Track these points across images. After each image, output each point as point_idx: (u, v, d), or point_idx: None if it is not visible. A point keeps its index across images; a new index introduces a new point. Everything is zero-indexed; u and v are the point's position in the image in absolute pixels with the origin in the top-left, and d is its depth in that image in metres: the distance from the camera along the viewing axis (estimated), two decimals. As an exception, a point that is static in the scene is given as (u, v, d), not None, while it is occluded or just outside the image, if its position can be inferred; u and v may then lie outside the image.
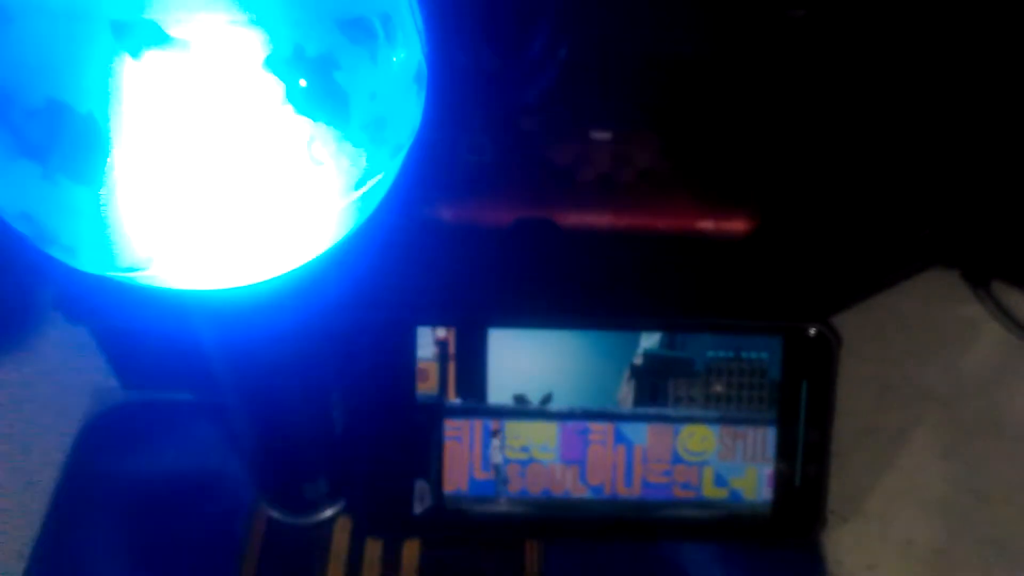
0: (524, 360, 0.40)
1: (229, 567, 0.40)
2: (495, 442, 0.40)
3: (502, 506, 0.41)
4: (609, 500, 0.41)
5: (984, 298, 0.50)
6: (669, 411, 0.40)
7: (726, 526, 0.41)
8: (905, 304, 0.49)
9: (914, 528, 0.42)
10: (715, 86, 0.44)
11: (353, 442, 0.39)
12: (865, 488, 0.43)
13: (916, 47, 0.43)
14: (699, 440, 0.40)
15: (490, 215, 0.41)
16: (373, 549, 0.40)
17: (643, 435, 0.40)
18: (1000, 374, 0.48)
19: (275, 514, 0.41)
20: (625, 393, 0.40)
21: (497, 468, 0.40)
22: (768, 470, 0.40)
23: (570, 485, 0.41)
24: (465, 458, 0.40)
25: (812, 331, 0.39)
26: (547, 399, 0.40)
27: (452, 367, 0.39)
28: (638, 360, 0.40)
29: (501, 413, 0.40)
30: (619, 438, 0.40)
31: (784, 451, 0.40)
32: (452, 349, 0.39)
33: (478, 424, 0.40)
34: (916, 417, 0.46)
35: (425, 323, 0.38)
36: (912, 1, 0.42)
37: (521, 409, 0.40)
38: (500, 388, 0.40)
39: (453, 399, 0.40)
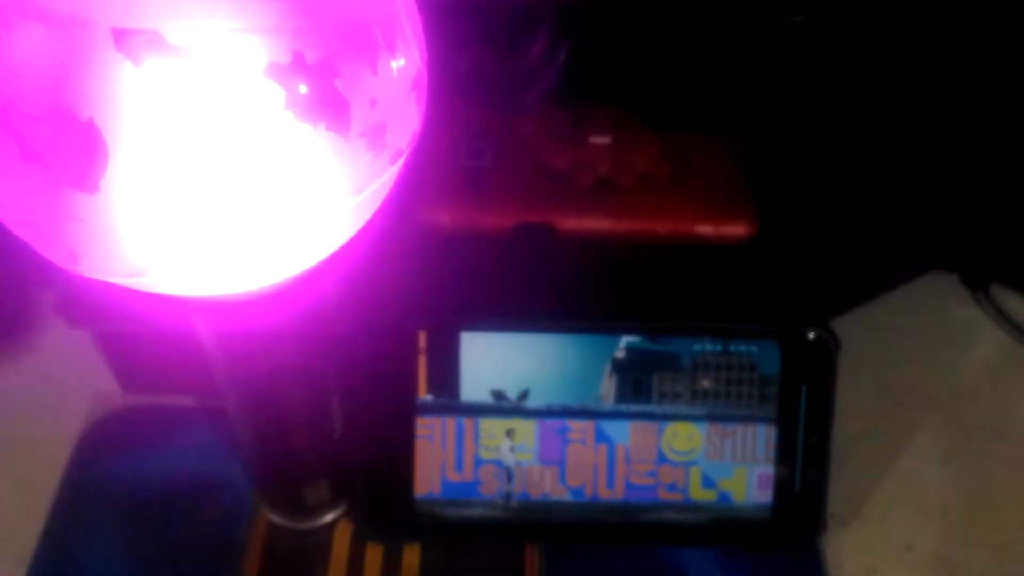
0: (501, 355, 0.38)
1: (230, 572, 0.40)
2: (507, 443, 0.38)
3: (476, 510, 0.39)
4: (590, 503, 0.39)
5: (983, 302, 0.50)
6: (653, 408, 0.38)
7: (716, 530, 0.39)
8: (904, 308, 0.49)
9: (914, 532, 0.42)
10: (715, 90, 0.44)
11: (353, 446, 0.39)
12: (865, 492, 0.43)
13: (915, 52, 0.43)
14: (685, 439, 0.39)
15: (489, 220, 0.41)
16: (374, 554, 0.40)
17: (626, 434, 0.39)
18: (1000, 377, 0.48)
19: (276, 519, 0.41)
20: (606, 389, 0.38)
21: (509, 471, 0.39)
22: (759, 471, 0.39)
23: (549, 487, 0.39)
24: (438, 459, 0.39)
25: (811, 335, 0.39)
26: (524, 395, 0.38)
27: (423, 361, 0.38)
28: (620, 354, 0.38)
29: (476, 410, 0.38)
30: (600, 437, 0.39)
31: (783, 454, 0.39)
32: (423, 343, 0.38)
33: (451, 422, 0.38)
34: (916, 421, 0.46)
35: (425, 328, 0.38)
36: (910, 5, 0.42)
37: (497, 406, 0.38)
38: (475, 384, 0.38)
39: (424, 396, 0.38)
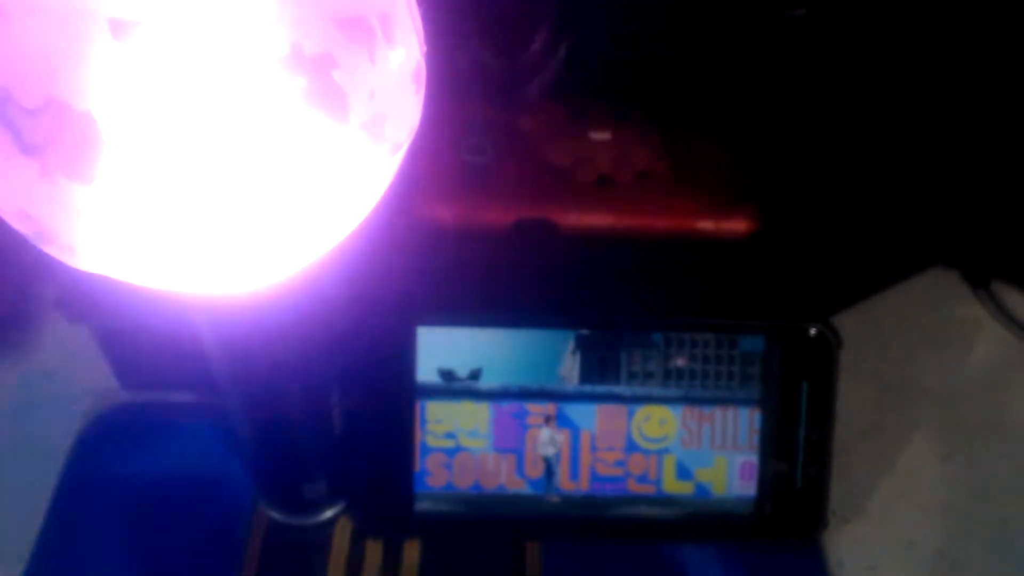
0: (449, 331, 0.35)
1: (229, 568, 0.40)
2: (545, 432, 0.35)
3: (423, 504, 0.36)
4: (552, 496, 0.36)
5: (984, 298, 0.50)
6: (622, 389, 0.35)
7: (693, 527, 0.36)
8: (905, 304, 0.49)
9: (915, 529, 0.42)
10: (715, 86, 0.44)
11: (353, 443, 0.39)
12: (866, 489, 0.43)
13: (916, 47, 0.43)
14: (657, 424, 0.35)
15: (489, 215, 0.41)
16: (373, 550, 0.40)
17: (591, 418, 0.35)
18: (1000, 374, 0.48)
19: (275, 515, 0.41)
20: (569, 368, 0.35)
21: (548, 462, 0.35)
22: (742, 460, 0.36)
23: (505, 478, 0.36)
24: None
25: (812, 331, 0.38)
26: (476, 374, 0.35)
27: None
28: (584, 329, 0.35)
29: (422, 392, 0.35)
30: (563, 422, 0.35)
31: (769, 441, 0.36)
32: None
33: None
34: (916, 417, 0.46)
35: (424, 324, 0.38)
36: (913, 1, 0.42)
37: (445, 387, 0.35)
38: (422, 361, 0.35)
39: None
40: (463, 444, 0.36)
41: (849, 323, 0.41)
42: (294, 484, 0.39)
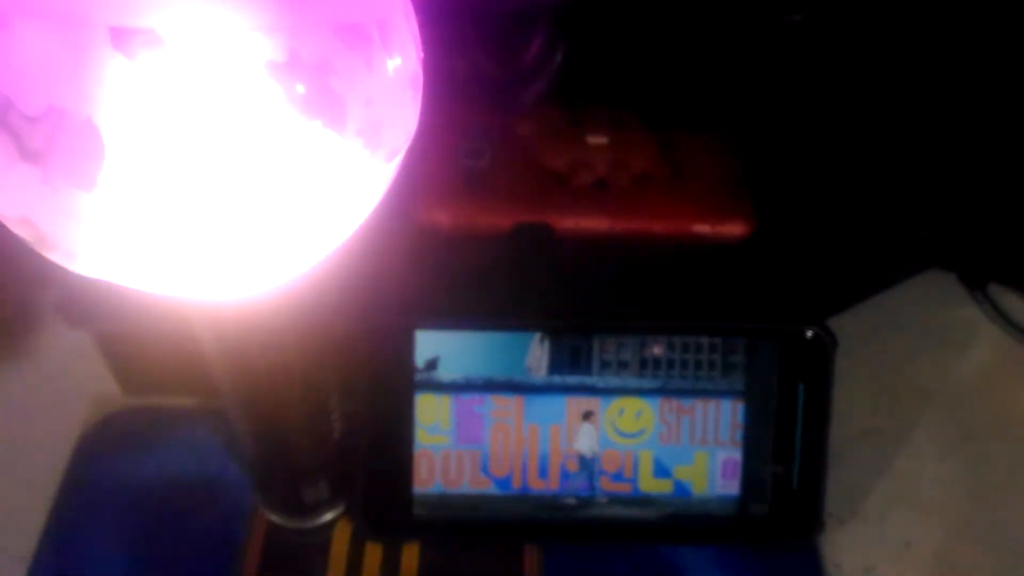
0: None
1: (229, 572, 0.40)
2: (586, 427, 0.33)
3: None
4: (519, 496, 0.34)
5: (981, 300, 0.50)
6: (594, 380, 0.33)
7: (672, 528, 0.34)
8: (902, 306, 0.49)
9: (912, 530, 0.42)
10: (712, 90, 0.44)
11: (352, 446, 0.39)
12: (863, 490, 0.43)
13: (913, 50, 0.43)
14: (633, 417, 0.33)
15: (487, 220, 0.41)
16: (373, 553, 0.40)
17: (561, 412, 0.33)
18: (997, 376, 0.48)
19: (275, 519, 0.41)
20: (537, 357, 0.32)
21: (584, 461, 0.33)
22: (724, 456, 0.33)
23: (468, 477, 0.34)
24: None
25: (809, 334, 0.38)
26: (433, 364, 0.32)
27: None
28: None
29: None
30: (530, 415, 0.33)
31: (754, 436, 0.35)
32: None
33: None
34: (913, 419, 0.46)
35: (422, 327, 0.38)
36: (908, 4, 0.42)
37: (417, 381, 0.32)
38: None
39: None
40: (422, 440, 0.33)
41: (846, 325, 0.41)
42: (293, 488, 0.40)
